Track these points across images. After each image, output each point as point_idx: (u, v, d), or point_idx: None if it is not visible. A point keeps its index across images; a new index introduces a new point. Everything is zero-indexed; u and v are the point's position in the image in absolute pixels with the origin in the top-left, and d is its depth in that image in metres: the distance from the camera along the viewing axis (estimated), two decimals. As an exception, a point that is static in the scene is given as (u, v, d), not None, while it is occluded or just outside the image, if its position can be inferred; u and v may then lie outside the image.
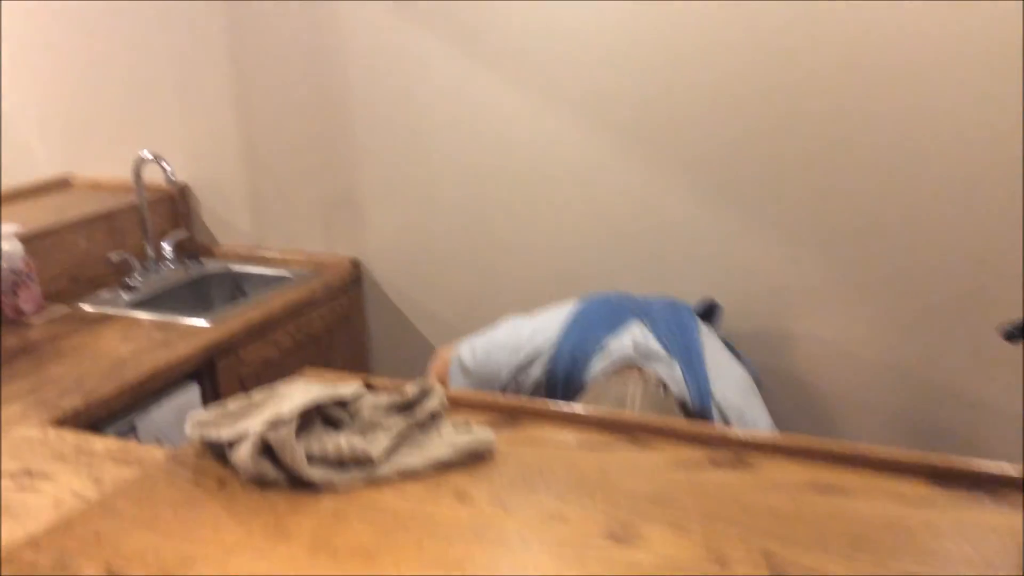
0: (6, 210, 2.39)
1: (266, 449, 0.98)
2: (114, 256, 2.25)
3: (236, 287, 2.40)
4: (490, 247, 2.22)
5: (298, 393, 1.03)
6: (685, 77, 1.93)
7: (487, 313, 2.23)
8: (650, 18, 1.91)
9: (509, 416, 1.18)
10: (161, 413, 1.79)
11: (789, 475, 1.02)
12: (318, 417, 1.04)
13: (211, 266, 2.42)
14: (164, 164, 2.20)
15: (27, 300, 2.02)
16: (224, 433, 1.02)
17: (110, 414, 1.69)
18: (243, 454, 0.98)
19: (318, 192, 2.38)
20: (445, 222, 2.25)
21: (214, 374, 1.92)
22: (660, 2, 1.89)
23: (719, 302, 1.91)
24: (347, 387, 1.08)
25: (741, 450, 1.07)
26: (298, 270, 2.35)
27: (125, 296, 2.19)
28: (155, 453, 1.42)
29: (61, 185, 2.63)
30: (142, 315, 2.05)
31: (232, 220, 2.50)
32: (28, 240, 2.08)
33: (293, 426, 0.98)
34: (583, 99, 2.03)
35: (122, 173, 2.51)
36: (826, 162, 1.85)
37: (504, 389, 1.62)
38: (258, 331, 2.04)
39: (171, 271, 2.34)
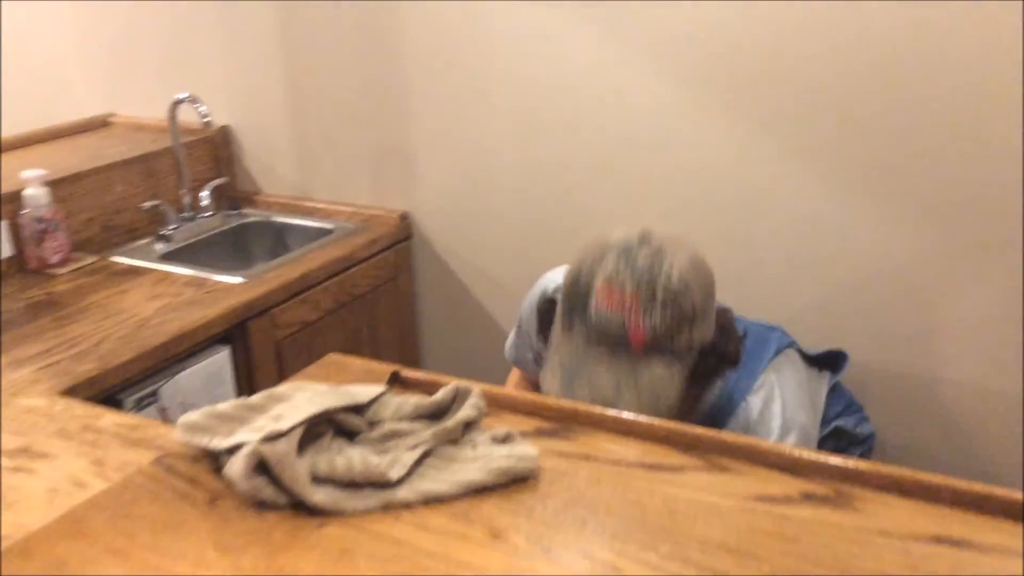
0: (43, 150, 2.27)
1: (263, 465, 0.82)
2: (147, 204, 2.11)
3: (278, 239, 2.25)
4: (555, 206, 2.01)
5: (305, 398, 0.86)
6: (801, 21, 1.66)
7: (546, 278, 2.04)
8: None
9: (559, 423, 0.99)
10: (187, 379, 1.66)
11: (905, 521, 0.82)
12: (329, 425, 0.87)
13: (252, 216, 2.27)
14: (200, 106, 2.05)
15: (53, 250, 1.90)
16: (216, 442, 0.86)
17: (130, 381, 1.56)
18: (236, 470, 0.82)
19: (368, 140, 2.20)
20: (505, 177, 2.05)
21: (247, 337, 1.78)
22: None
23: (846, 352, 1.58)
24: (366, 389, 0.91)
25: (844, 483, 0.87)
26: (344, 223, 2.18)
27: (159, 247, 2.06)
28: (166, 433, 1.28)
29: (101, 125, 2.50)
30: (174, 269, 1.92)
31: (276, 167, 2.34)
32: (59, 184, 1.95)
33: (294, 440, 0.81)
34: (671, 44, 1.78)
35: (164, 114, 2.36)
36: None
37: (549, 301, 1.42)
38: (296, 290, 1.89)
39: (209, 220, 2.20)
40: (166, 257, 2.02)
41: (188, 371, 1.66)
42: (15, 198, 1.89)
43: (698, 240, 1.81)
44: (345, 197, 2.27)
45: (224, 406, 0.89)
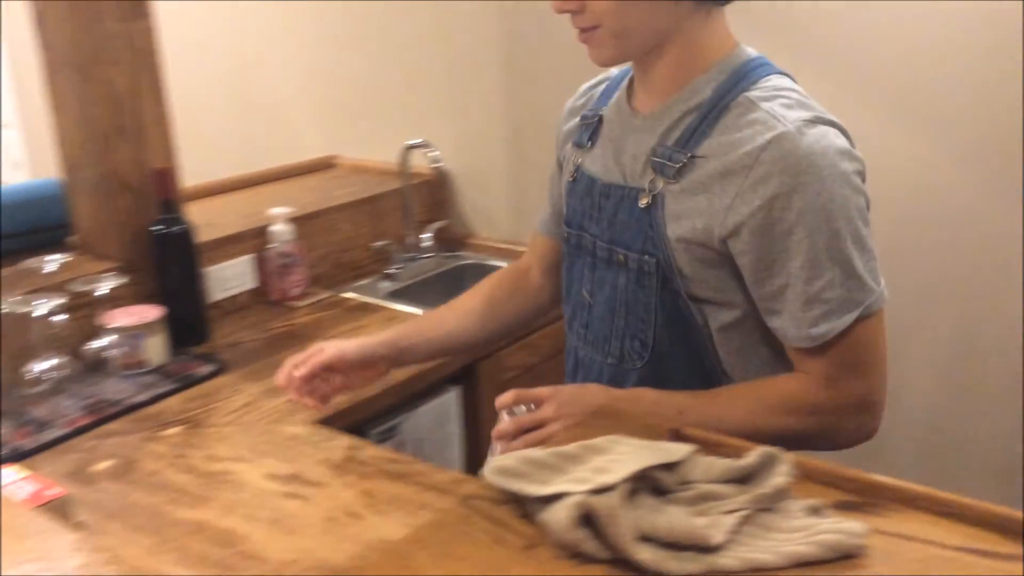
0: (274, 188, 2.41)
1: (587, 517, 0.82)
2: (377, 243, 2.19)
3: (492, 283, 2.30)
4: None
5: (626, 452, 0.86)
6: None
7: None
8: None
9: (863, 497, 0.95)
10: (421, 417, 1.71)
11: None
12: (644, 482, 0.86)
13: (468, 258, 2.33)
14: (432, 151, 2.12)
15: (293, 284, 2.00)
16: (532, 488, 0.86)
17: (375, 415, 1.61)
18: (559, 519, 0.82)
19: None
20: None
21: (474, 379, 1.82)
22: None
23: None
24: (677, 447, 0.90)
25: None
26: (557, 270, 2.20)
27: (384, 285, 2.14)
28: (424, 471, 1.31)
29: (325, 166, 2.63)
30: (402, 307, 1.98)
31: (491, 212, 2.40)
32: (298, 221, 2.06)
33: (622, 495, 0.81)
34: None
35: (383, 157, 2.46)
36: None
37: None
38: (519, 334, 1.91)
39: (429, 260, 2.27)
40: (393, 295, 2.09)
41: (423, 408, 1.70)
42: (261, 233, 2.01)
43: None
44: (557, 244, 2.29)
45: (538, 453, 0.90)
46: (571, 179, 1.26)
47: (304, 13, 2.62)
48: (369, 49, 2.50)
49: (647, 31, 1.09)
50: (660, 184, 1.10)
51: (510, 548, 0.86)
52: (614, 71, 1.30)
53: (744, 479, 0.90)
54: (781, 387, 1.11)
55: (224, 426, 1.47)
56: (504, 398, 1.13)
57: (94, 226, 1.76)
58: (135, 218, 1.73)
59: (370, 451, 1.39)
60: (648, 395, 1.13)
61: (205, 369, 1.65)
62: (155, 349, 1.64)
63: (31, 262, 1.61)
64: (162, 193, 1.71)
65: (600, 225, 1.18)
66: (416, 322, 1.43)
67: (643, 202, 1.11)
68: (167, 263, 1.74)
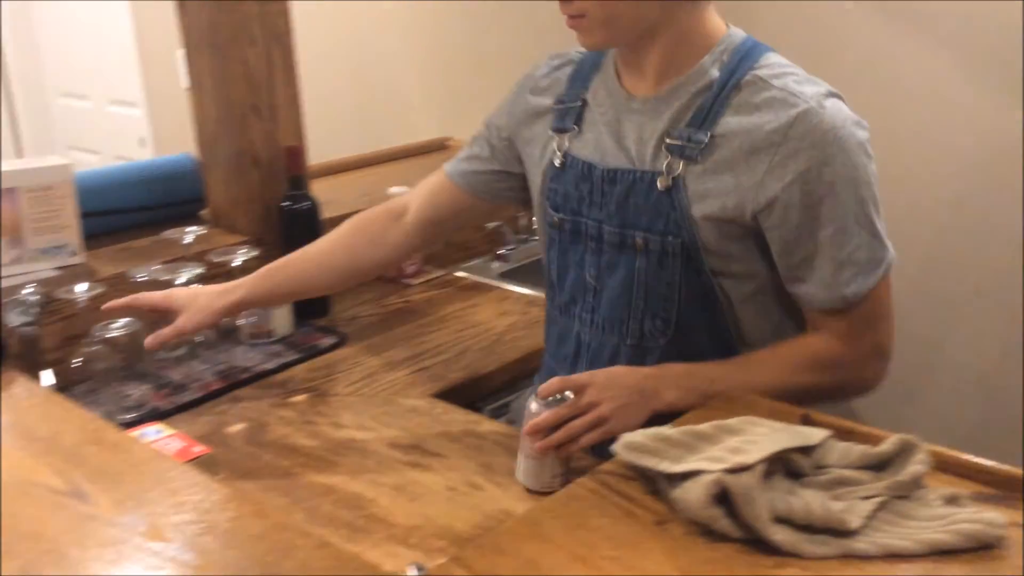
0: (391, 168, 2.48)
1: (721, 495, 0.83)
2: (489, 224, 2.23)
3: (600, 267, 2.31)
4: None
5: (763, 434, 0.86)
6: None
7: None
8: None
9: (1002, 490, 0.93)
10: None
11: None
12: (779, 464, 0.87)
13: (577, 242, 2.34)
14: (547, 135, 2.14)
15: (409, 262, 2.04)
16: (665, 466, 0.88)
17: (489, 392, 1.64)
18: (694, 496, 0.83)
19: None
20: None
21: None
22: None
23: None
24: (814, 431, 0.90)
25: None
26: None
27: (495, 265, 2.17)
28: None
29: (439, 147, 2.68)
30: (514, 288, 2.01)
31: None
32: (413, 202, 2.11)
33: (759, 475, 0.82)
34: None
35: (497, 140, 2.50)
36: None
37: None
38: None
39: (535, 243, 2.29)
40: (504, 275, 2.12)
41: (534, 388, 1.73)
42: (379, 212, 2.06)
43: None
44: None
45: (670, 431, 0.91)
46: (559, 165, 1.26)
47: (421, 5, 2.67)
48: (481, 35, 2.53)
49: (634, 19, 1.12)
50: (679, 166, 1.13)
51: (642, 523, 0.88)
52: (574, 53, 1.32)
53: (880, 466, 0.90)
54: (806, 347, 1.16)
55: (347, 395, 1.53)
56: (549, 386, 1.15)
57: (226, 200, 1.84)
58: (265, 194, 1.80)
59: (487, 425, 1.42)
60: (676, 368, 1.16)
61: (327, 341, 1.71)
62: (281, 320, 1.70)
63: (170, 233, 1.69)
64: (291, 170, 1.77)
65: (605, 210, 1.20)
66: (269, 274, 1.46)
67: (662, 185, 1.13)
68: (294, 238, 1.79)
